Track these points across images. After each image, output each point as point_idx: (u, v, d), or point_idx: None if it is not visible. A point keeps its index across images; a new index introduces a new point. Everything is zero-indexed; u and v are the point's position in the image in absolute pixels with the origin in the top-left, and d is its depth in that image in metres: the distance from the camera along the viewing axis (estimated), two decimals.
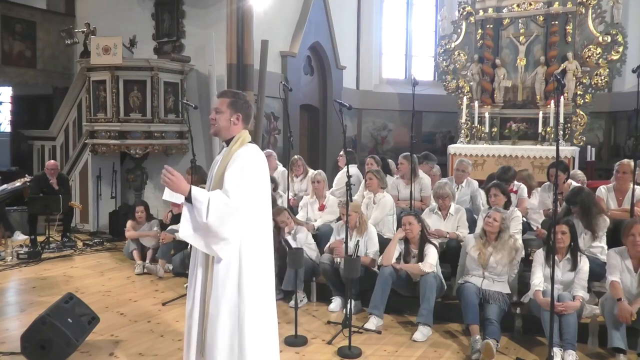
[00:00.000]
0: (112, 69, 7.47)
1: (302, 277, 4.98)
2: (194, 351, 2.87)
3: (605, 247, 4.60)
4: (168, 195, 2.75)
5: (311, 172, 6.45)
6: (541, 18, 9.56)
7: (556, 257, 4.03)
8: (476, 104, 9.73)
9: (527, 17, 9.66)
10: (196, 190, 2.68)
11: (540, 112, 9.24)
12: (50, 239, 7.32)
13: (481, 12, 9.90)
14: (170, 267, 6.27)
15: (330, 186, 6.61)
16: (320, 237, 5.65)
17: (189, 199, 2.67)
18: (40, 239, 7.28)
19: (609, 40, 9.07)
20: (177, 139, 8.06)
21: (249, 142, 2.93)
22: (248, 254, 2.82)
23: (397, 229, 5.16)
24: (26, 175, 7.55)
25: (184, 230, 2.72)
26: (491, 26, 9.87)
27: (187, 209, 2.71)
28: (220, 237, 2.71)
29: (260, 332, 2.85)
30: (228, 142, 2.92)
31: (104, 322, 4.46)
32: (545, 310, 3.86)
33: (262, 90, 8.51)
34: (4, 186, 7.26)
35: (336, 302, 5.10)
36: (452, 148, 9.78)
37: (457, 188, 6.11)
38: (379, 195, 5.65)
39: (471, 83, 10.04)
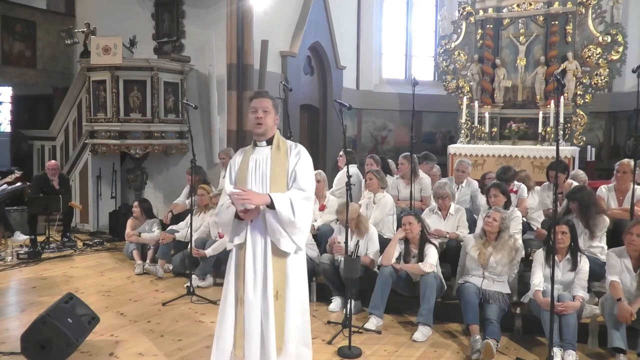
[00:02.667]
0: (112, 69, 7.46)
1: None
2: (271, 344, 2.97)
3: (605, 247, 4.60)
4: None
5: None
6: (541, 18, 9.56)
7: (556, 257, 4.03)
8: (476, 104, 9.73)
9: (527, 17, 9.66)
10: (275, 196, 2.90)
11: (540, 112, 9.24)
12: (50, 239, 7.32)
13: (481, 12, 9.90)
14: (170, 267, 6.27)
15: (330, 186, 6.61)
16: (320, 237, 5.64)
17: (271, 206, 2.89)
18: (40, 239, 7.28)
19: (609, 40, 9.07)
20: (177, 139, 8.06)
21: None
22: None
23: (397, 229, 5.16)
24: (15, 170, 7.53)
25: (274, 234, 2.94)
26: (491, 26, 9.87)
27: (271, 216, 2.91)
28: (301, 230, 2.98)
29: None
30: (269, 141, 3.11)
31: (104, 322, 4.46)
32: (545, 310, 3.86)
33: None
34: (4, 186, 7.26)
35: (336, 302, 5.10)
36: (452, 148, 9.78)
37: (457, 188, 6.12)
38: (379, 195, 5.64)
39: (471, 83, 10.03)
